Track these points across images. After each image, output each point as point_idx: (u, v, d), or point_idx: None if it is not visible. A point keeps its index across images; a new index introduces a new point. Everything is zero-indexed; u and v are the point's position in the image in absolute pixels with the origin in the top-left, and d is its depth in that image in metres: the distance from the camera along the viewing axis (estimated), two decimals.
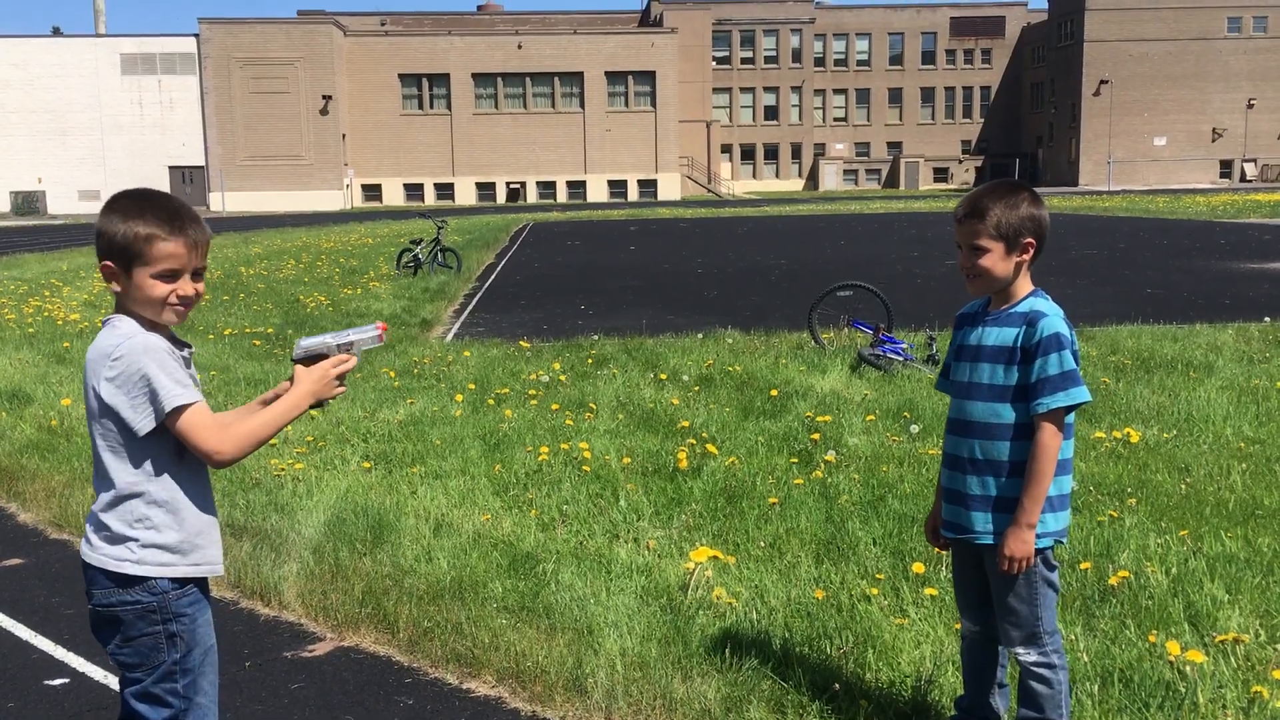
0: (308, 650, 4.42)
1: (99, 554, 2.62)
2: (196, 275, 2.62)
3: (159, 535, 2.61)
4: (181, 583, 2.65)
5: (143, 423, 2.53)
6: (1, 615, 4.83)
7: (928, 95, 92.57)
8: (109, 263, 2.56)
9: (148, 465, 2.59)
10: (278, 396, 2.70)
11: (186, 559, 2.65)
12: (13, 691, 4.08)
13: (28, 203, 64.75)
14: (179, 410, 2.52)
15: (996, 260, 3.01)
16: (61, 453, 7.29)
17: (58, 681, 4.16)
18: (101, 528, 2.62)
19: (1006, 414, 2.99)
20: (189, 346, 2.73)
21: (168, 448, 2.60)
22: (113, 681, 4.14)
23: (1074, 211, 42.82)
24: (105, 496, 2.62)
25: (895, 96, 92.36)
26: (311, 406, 2.72)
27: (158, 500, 2.60)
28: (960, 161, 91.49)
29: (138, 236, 2.52)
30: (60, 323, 14.29)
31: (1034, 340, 2.95)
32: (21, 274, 22.46)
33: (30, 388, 9.64)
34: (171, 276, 2.56)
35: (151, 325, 2.61)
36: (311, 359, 2.69)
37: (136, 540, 2.60)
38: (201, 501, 2.69)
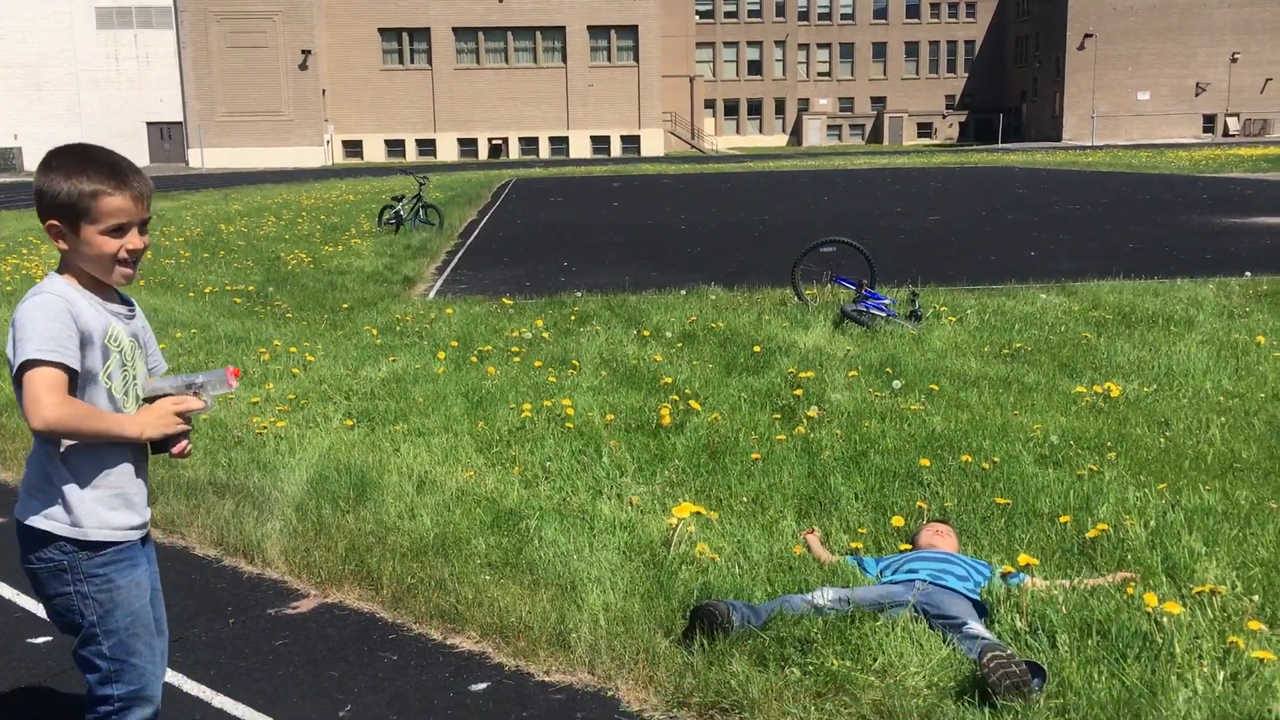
0: (291, 607, 4.42)
1: (19, 510, 2.62)
2: (142, 228, 2.58)
3: (67, 494, 2.57)
4: (94, 545, 2.61)
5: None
6: None
7: (911, 49, 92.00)
8: (55, 221, 2.52)
9: None
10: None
11: (98, 519, 2.60)
12: None
13: (4, 159, 63.97)
14: (31, 364, 2.42)
15: None
16: None
17: (40, 640, 4.16)
18: (24, 483, 2.63)
19: None
20: (131, 304, 2.68)
21: (92, 396, 2.57)
22: None
23: (1057, 166, 42.80)
24: (31, 454, 2.62)
25: (879, 51, 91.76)
26: (154, 449, 2.61)
27: (68, 459, 2.57)
28: (944, 116, 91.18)
29: (83, 193, 2.48)
30: (38, 281, 14.15)
31: None
32: None
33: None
34: (119, 231, 2.52)
35: (95, 284, 2.57)
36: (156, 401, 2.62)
37: (45, 498, 2.58)
38: (120, 458, 2.63)
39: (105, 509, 2.61)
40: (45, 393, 2.42)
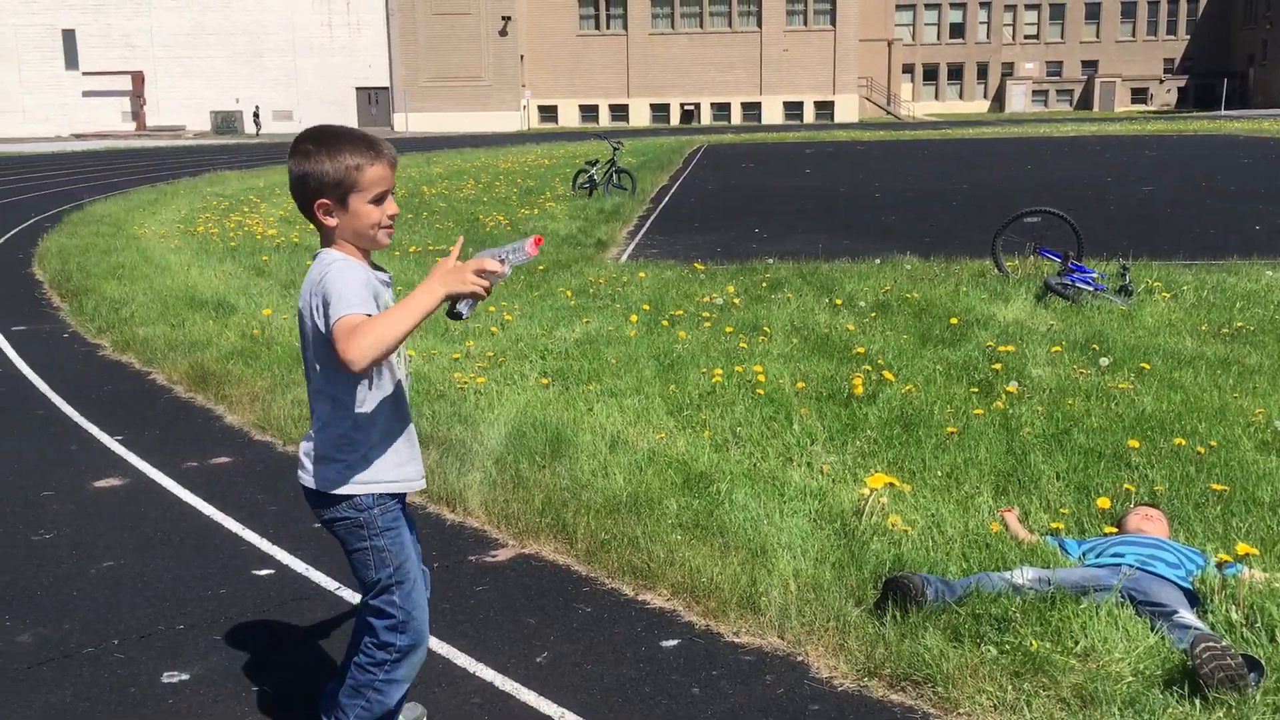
0: (491, 555, 4.60)
1: (309, 476, 2.80)
2: (392, 194, 2.75)
3: (364, 455, 2.76)
4: (384, 499, 2.80)
5: None
6: (214, 509, 5.19)
7: (1128, 10, 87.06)
8: (325, 200, 2.66)
9: (354, 390, 2.73)
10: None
11: (388, 475, 2.80)
12: (225, 579, 4.40)
13: (226, 122, 67.92)
14: (341, 316, 2.53)
15: None
16: (264, 359, 7.72)
17: (264, 572, 4.47)
18: (313, 450, 2.80)
19: None
20: (387, 273, 2.84)
21: (372, 371, 2.72)
22: (314, 574, 4.42)
23: None
24: (317, 421, 2.79)
25: (1092, 12, 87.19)
26: (450, 314, 2.65)
27: (361, 422, 2.75)
28: (1161, 82, 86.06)
29: (349, 168, 2.64)
30: (259, 237, 15.04)
31: None
32: (223, 190, 23.68)
33: (234, 298, 10.21)
34: (380, 199, 2.69)
35: (359, 254, 2.73)
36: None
37: (343, 462, 2.76)
38: (400, 419, 2.83)
39: (394, 464, 2.81)
40: (339, 345, 2.51)
